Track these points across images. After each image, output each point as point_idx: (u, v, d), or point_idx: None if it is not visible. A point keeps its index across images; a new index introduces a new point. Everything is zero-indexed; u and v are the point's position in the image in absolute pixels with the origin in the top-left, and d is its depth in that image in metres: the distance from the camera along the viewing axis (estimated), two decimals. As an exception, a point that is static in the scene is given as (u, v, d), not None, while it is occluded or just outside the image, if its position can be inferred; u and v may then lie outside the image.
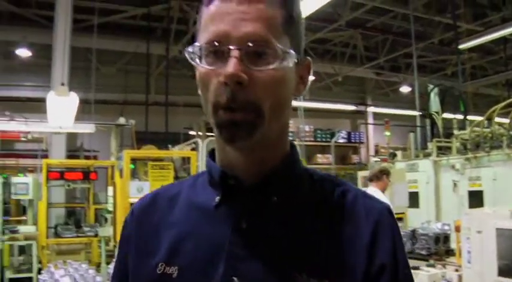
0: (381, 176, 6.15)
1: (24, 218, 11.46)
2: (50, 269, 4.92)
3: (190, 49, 0.96)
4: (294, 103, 8.19)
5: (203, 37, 0.95)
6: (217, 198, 1.00)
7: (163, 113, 14.14)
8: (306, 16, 9.76)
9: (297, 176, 1.05)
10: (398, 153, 9.73)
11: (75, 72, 12.71)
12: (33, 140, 12.06)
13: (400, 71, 19.19)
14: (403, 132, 15.12)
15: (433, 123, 9.80)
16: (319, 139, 19.74)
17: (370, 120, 22.05)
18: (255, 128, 0.92)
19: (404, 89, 20.27)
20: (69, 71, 11.39)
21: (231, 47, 0.90)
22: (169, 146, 10.53)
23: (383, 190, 6.16)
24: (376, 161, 17.51)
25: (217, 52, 0.92)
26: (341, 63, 18.58)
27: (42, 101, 16.44)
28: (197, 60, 0.95)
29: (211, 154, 1.09)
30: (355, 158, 20.66)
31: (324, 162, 18.90)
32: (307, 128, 18.54)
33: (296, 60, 0.98)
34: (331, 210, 1.01)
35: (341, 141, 19.83)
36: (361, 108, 21.47)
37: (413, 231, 6.74)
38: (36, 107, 13.16)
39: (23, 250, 9.81)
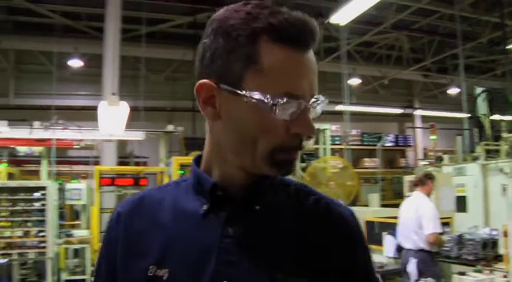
0: (426, 181, 6.16)
1: (77, 222, 11.90)
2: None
3: (275, 101, 0.97)
4: (341, 107, 8.27)
5: (280, 86, 0.98)
6: (205, 206, 1.07)
7: (210, 119, 14.36)
8: (351, 20, 9.79)
9: (276, 186, 1.14)
10: (445, 157, 9.57)
11: (124, 81, 13.09)
12: (86, 147, 12.45)
13: (448, 73, 18.83)
14: (451, 135, 14.86)
15: (481, 126, 9.62)
16: (366, 143, 19.58)
17: (418, 123, 21.66)
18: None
19: (453, 91, 19.82)
20: (119, 80, 11.77)
21: (306, 103, 1.00)
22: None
23: (428, 195, 6.17)
24: (424, 165, 17.28)
25: (294, 105, 0.99)
26: (387, 66, 18.40)
27: (94, 109, 17.07)
28: (284, 110, 0.99)
29: (196, 161, 1.17)
30: (402, 162, 20.37)
31: (371, 166, 18.71)
32: (354, 132, 18.43)
33: None
34: (306, 216, 1.12)
35: (388, 144, 19.58)
36: (408, 111, 21.15)
37: (460, 236, 6.65)
38: (88, 115, 13.61)
39: (76, 253, 10.16)
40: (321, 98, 1.04)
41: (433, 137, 8.37)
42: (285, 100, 0.97)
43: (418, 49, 18.12)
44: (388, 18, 14.06)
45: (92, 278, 1.25)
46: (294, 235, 1.08)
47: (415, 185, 6.25)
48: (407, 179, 8.08)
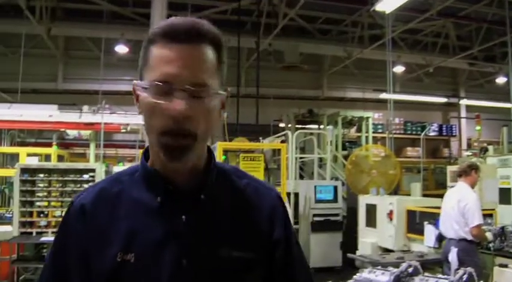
0: (470, 172, 6.11)
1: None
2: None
3: (139, 83, 1.18)
4: (384, 95, 8.24)
5: (153, 74, 1.16)
6: (159, 199, 1.23)
7: (253, 105, 14.46)
8: (397, 7, 9.66)
9: (215, 176, 1.30)
10: (490, 148, 9.40)
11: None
12: (130, 132, 12.74)
13: (496, 61, 18.33)
14: (497, 126, 14.53)
15: (529, 117, 9.41)
16: (409, 132, 19.37)
17: (463, 112, 21.25)
18: (190, 150, 1.17)
19: (500, 80, 19.29)
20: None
21: (177, 87, 1.13)
22: (260, 138, 10.80)
23: (472, 186, 6.11)
24: (468, 156, 16.97)
25: (166, 89, 1.13)
26: (432, 54, 18.04)
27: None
28: (146, 92, 1.16)
29: (145, 154, 1.32)
30: (446, 152, 20.06)
31: (413, 155, 18.51)
32: (397, 121, 18.26)
33: (224, 93, 1.21)
34: (240, 199, 1.32)
35: (432, 134, 19.30)
36: (454, 100, 20.73)
37: (503, 229, 6.59)
38: (133, 100, 13.85)
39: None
40: (197, 87, 1.14)
41: (478, 127, 8.19)
42: (154, 84, 1.14)
43: (465, 37, 17.70)
44: (434, 5, 13.76)
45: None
46: (232, 217, 1.28)
47: (459, 175, 6.19)
48: (451, 169, 7.98)
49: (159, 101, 1.14)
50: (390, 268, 4.33)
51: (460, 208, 5.81)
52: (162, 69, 1.14)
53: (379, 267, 4.45)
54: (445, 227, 6.06)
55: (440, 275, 4.33)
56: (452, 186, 7.55)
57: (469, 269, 4.09)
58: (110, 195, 1.27)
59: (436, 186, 15.60)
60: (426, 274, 4.28)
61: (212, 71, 1.17)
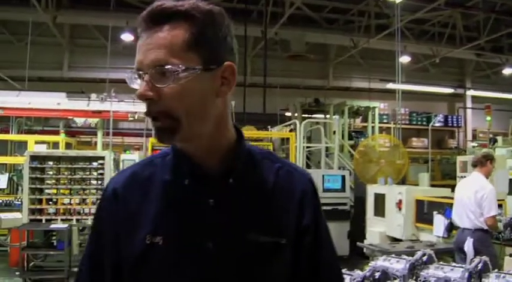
0: (485, 162, 6.10)
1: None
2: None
3: (128, 75, 1.22)
4: (391, 86, 8.21)
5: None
6: (186, 181, 1.24)
7: (260, 95, 14.42)
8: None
9: (243, 158, 1.30)
10: (499, 138, 9.39)
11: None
12: (136, 120, 12.72)
13: (503, 52, 18.23)
14: (504, 116, 14.52)
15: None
16: (414, 122, 19.35)
17: (469, 103, 21.18)
18: (175, 131, 1.16)
19: (507, 71, 19.20)
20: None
21: (140, 72, 1.17)
22: (269, 127, 10.79)
23: (487, 176, 6.10)
24: (473, 146, 16.95)
25: (139, 76, 1.18)
26: (439, 44, 17.94)
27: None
28: (134, 83, 1.21)
29: None
30: (451, 143, 20.04)
31: (418, 145, 18.50)
32: (402, 111, 18.22)
33: (208, 68, 1.18)
34: (271, 183, 1.31)
35: (437, 125, 19.27)
36: (460, 91, 20.66)
37: (512, 219, 6.61)
38: (138, 88, 13.78)
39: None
40: (152, 70, 1.15)
41: (488, 118, 8.17)
42: (131, 72, 1.20)
43: (472, 27, 17.58)
44: (442, -5, 13.68)
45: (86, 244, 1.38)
46: (261, 201, 1.28)
47: (474, 165, 6.18)
48: (460, 159, 7.98)
49: (137, 88, 1.19)
50: (404, 256, 4.35)
51: (477, 198, 5.80)
52: (135, 58, 1.19)
53: (393, 255, 4.46)
54: (460, 216, 6.02)
55: (454, 264, 4.34)
56: (462, 177, 7.55)
57: (484, 258, 4.10)
58: (141, 179, 1.30)
59: (442, 177, 15.60)
60: (440, 262, 4.30)
61: (178, 49, 1.15)
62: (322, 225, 1.37)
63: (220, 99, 1.23)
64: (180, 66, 1.14)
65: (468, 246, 4.61)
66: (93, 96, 10.21)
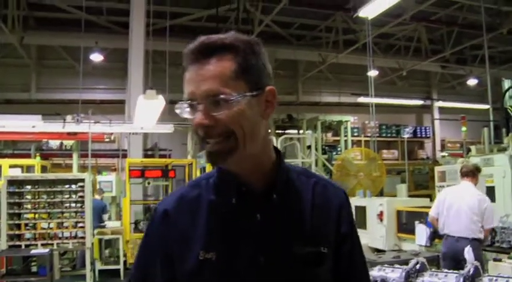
0: (477, 173, 6.36)
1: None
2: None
3: (178, 105, 1.29)
4: (362, 99, 8.44)
5: (184, 95, 1.29)
6: (234, 200, 1.32)
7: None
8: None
9: (284, 176, 1.39)
10: (473, 148, 9.64)
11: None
12: (111, 141, 12.62)
13: (467, 64, 18.80)
14: (472, 126, 14.85)
15: (508, 117, 9.67)
16: (384, 134, 19.67)
17: (436, 114, 21.69)
18: (231, 153, 1.25)
19: (471, 82, 19.79)
20: (144, 74, 11.94)
21: (194, 103, 1.25)
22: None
23: (475, 185, 6.29)
24: (443, 156, 17.34)
25: (191, 106, 1.26)
26: (405, 58, 18.40)
27: (113, 102, 17.35)
28: (185, 112, 1.28)
29: None
30: (421, 153, 20.45)
31: (389, 157, 18.78)
32: (372, 124, 18.52)
33: (255, 94, 1.27)
34: (310, 197, 1.40)
35: (406, 136, 19.66)
36: (428, 102, 21.13)
37: (493, 226, 6.78)
38: (107, 108, 13.80)
39: (108, 244, 10.36)
40: (200, 101, 1.24)
41: (464, 128, 8.43)
42: (182, 103, 1.28)
43: (437, 40, 18.11)
44: (408, 10, 14.05)
45: (133, 264, 1.47)
46: (302, 214, 1.37)
47: (465, 175, 6.33)
48: (438, 169, 8.17)
49: (191, 117, 1.27)
50: (397, 266, 4.45)
51: (481, 209, 5.92)
52: (186, 89, 1.28)
53: (386, 265, 4.54)
54: (457, 225, 6.05)
55: (446, 270, 4.45)
56: (441, 186, 7.73)
57: (476, 263, 4.23)
58: (189, 200, 1.38)
59: (416, 187, 15.87)
60: (433, 270, 4.41)
61: (228, 79, 1.24)
62: (356, 234, 1.48)
63: (265, 121, 1.33)
64: (232, 94, 1.23)
65: (469, 254, 4.69)
66: (69, 118, 10.07)
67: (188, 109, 1.27)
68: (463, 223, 5.97)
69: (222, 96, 1.22)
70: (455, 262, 5.61)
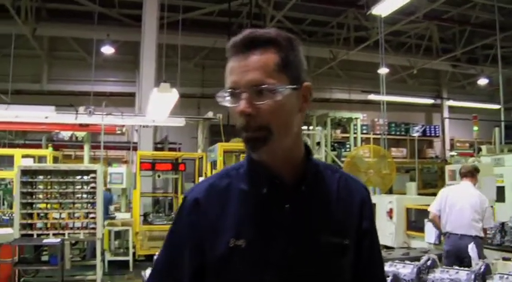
0: (476, 174, 6.47)
1: (112, 205, 12.18)
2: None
3: (219, 94, 1.35)
4: (373, 97, 8.53)
5: (226, 84, 1.34)
6: (264, 190, 1.37)
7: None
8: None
9: (313, 169, 1.44)
10: (484, 147, 9.65)
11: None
12: (121, 133, 12.63)
13: (478, 63, 18.72)
14: (481, 126, 14.80)
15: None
16: (393, 132, 19.64)
17: (446, 113, 21.64)
18: (266, 142, 1.30)
19: (482, 82, 19.71)
20: (156, 67, 11.99)
21: (240, 91, 1.29)
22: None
23: (474, 185, 6.35)
24: (452, 156, 17.30)
25: (233, 94, 1.31)
26: (416, 56, 18.35)
27: (123, 95, 17.42)
28: (225, 101, 1.34)
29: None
30: (430, 152, 20.40)
31: (398, 155, 18.75)
32: (381, 121, 18.51)
33: (295, 87, 1.32)
34: (335, 190, 1.46)
35: (415, 134, 19.63)
36: (438, 101, 21.05)
37: (503, 225, 6.80)
38: (117, 101, 13.86)
39: (117, 235, 10.45)
40: (248, 89, 1.29)
41: (475, 128, 8.41)
42: (225, 92, 1.33)
43: (448, 39, 18.04)
44: (421, 8, 14.01)
45: (161, 252, 1.50)
46: (328, 206, 1.42)
47: (465, 175, 6.44)
48: (448, 168, 8.19)
49: (232, 105, 1.32)
50: (407, 262, 4.48)
51: (483, 208, 6.04)
52: (229, 79, 1.32)
53: (397, 261, 4.57)
54: (459, 223, 6.13)
55: (457, 267, 4.47)
56: (452, 185, 7.75)
57: (486, 261, 4.26)
58: (219, 189, 1.43)
59: (424, 186, 15.87)
60: (443, 267, 4.44)
61: (271, 71, 1.29)
62: (376, 232, 1.54)
63: (299, 115, 1.39)
64: (275, 85, 1.28)
65: (473, 250, 4.74)
66: (81, 109, 10.13)
67: (229, 98, 1.32)
68: (466, 221, 6.06)
69: (265, 86, 1.27)
70: (459, 260, 5.67)
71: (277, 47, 1.31)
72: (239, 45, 1.32)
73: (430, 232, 6.99)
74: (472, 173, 6.41)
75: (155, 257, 5.48)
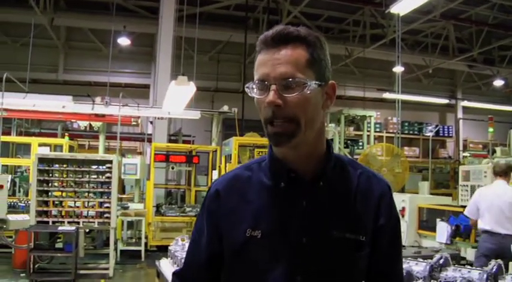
0: (509, 172, 6.49)
1: (124, 196, 12.32)
2: (177, 242, 5.45)
3: (248, 85, 1.39)
4: (388, 95, 8.54)
5: (256, 76, 1.37)
6: (282, 184, 1.43)
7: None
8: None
9: (333, 165, 1.48)
10: (498, 149, 9.63)
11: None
12: (134, 125, 12.72)
13: (494, 64, 18.59)
14: (496, 127, 14.72)
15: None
16: (406, 132, 19.58)
17: (460, 113, 21.54)
18: (294, 136, 1.34)
19: (498, 83, 19.58)
20: (172, 59, 12.07)
21: (266, 83, 1.34)
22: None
23: (508, 183, 6.43)
24: (464, 157, 17.22)
25: (263, 86, 1.35)
26: (432, 55, 18.26)
27: (138, 86, 17.53)
28: (253, 92, 1.38)
29: (271, 145, 1.50)
30: (443, 152, 20.32)
31: (410, 155, 18.70)
32: (394, 120, 18.47)
33: (320, 84, 1.37)
34: (354, 187, 1.49)
35: (428, 134, 19.56)
36: (453, 101, 20.94)
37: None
38: (131, 92, 13.91)
39: (130, 225, 10.56)
40: (277, 82, 1.33)
41: (491, 129, 8.38)
42: (254, 83, 1.37)
43: (465, 39, 17.92)
44: (438, 7, 13.93)
45: (189, 239, 1.67)
46: (346, 202, 1.46)
47: (499, 175, 6.48)
48: (462, 169, 8.18)
49: (260, 97, 1.36)
50: (420, 259, 4.52)
51: None
52: (259, 71, 1.37)
53: (410, 258, 4.61)
54: (501, 222, 6.14)
55: (469, 267, 4.50)
56: (465, 185, 7.78)
57: (499, 261, 4.28)
58: (241, 180, 1.51)
59: (436, 186, 15.82)
60: (456, 265, 4.47)
61: (301, 66, 1.34)
62: (396, 228, 1.56)
63: (323, 112, 1.44)
64: (304, 80, 1.33)
65: None
66: (98, 99, 10.23)
67: (257, 89, 1.37)
68: (506, 220, 6.08)
69: (296, 79, 1.32)
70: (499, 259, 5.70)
71: (307, 45, 1.37)
72: (271, 39, 1.36)
73: (442, 232, 7.01)
74: (506, 173, 6.43)
75: (169, 247, 5.53)
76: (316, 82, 1.36)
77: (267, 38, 1.37)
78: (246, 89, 1.40)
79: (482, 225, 6.28)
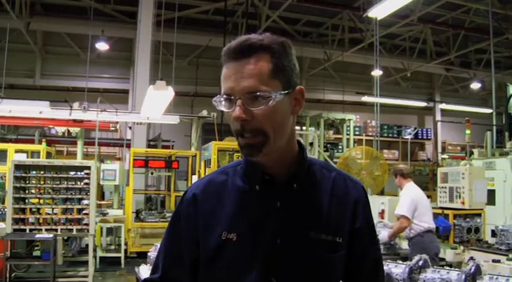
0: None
1: (104, 202, 12.19)
2: (157, 248, 5.40)
3: (215, 99, 1.39)
4: (367, 98, 8.67)
5: (222, 90, 1.38)
6: (257, 187, 1.45)
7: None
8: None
9: (306, 168, 1.50)
10: (475, 151, 9.75)
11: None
12: (113, 130, 12.61)
13: (471, 67, 18.86)
14: (474, 130, 14.89)
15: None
16: (385, 134, 19.72)
17: (438, 116, 21.78)
18: (263, 146, 1.35)
19: (475, 86, 19.86)
20: (151, 64, 11.99)
21: (232, 97, 1.35)
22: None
23: None
24: (443, 159, 17.40)
25: (229, 100, 1.36)
26: (410, 59, 18.46)
27: (116, 92, 17.40)
28: (221, 106, 1.38)
29: None
30: (422, 155, 20.51)
31: (389, 157, 18.84)
32: (373, 123, 18.60)
33: (288, 92, 1.38)
34: (329, 189, 1.50)
35: (407, 137, 19.75)
36: (431, 104, 21.16)
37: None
38: (111, 97, 13.81)
39: (109, 232, 10.43)
40: (243, 96, 1.34)
41: (468, 131, 8.48)
42: (221, 97, 1.38)
43: (442, 42, 18.15)
44: (415, 11, 14.09)
45: (159, 244, 1.63)
46: (320, 204, 1.47)
47: (409, 177, 6.68)
48: (441, 171, 8.25)
49: (228, 110, 1.37)
50: (399, 262, 4.55)
51: None
52: (224, 85, 1.37)
53: (389, 260, 4.63)
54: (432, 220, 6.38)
55: (447, 268, 4.54)
56: (443, 187, 7.86)
57: (477, 262, 4.34)
58: (216, 184, 1.52)
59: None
60: (435, 267, 4.50)
61: (265, 78, 1.34)
62: (371, 231, 1.58)
63: (293, 117, 1.45)
64: (269, 92, 1.33)
65: None
66: (76, 105, 10.11)
67: (224, 103, 1.37)
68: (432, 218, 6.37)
69: (260, 93, 1.32)
70: None
71: (271, 54, 1.36)
72: (234, 51, 1.35)
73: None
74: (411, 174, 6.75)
75: (148, 254, 5.47)
76: (282, 92, 1.35)
77: (230, 51, 1.37)
78: (214, 103, 1.40)
79: (424, 224, 6.28)
